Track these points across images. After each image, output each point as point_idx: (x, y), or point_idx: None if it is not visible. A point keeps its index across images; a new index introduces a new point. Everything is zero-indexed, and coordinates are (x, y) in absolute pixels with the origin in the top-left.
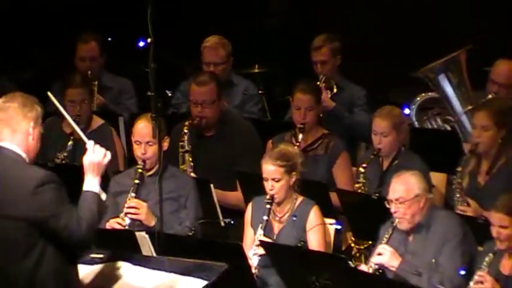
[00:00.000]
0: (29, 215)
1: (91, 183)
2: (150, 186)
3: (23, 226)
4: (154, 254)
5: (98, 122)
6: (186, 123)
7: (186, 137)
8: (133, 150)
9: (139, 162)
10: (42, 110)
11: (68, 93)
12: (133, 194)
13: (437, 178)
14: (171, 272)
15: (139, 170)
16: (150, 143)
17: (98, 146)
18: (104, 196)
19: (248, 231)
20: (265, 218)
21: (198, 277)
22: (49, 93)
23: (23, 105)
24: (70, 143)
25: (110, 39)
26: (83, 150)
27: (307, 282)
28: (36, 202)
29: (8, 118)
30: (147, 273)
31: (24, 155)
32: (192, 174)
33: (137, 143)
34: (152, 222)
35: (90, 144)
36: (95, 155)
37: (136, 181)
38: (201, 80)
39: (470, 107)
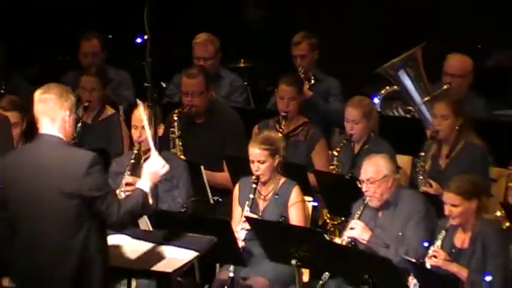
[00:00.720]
0: (82, 193)
1: (145, 184)
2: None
3: (75, 204)
4: (151, 228)
5: (110, 111)
6: (176, 111)
7: (175, 124)
8: (131, 134)
9: (136, 144)
10: (75, 98)
11: (82, 80)
12: (128, 172)
13: (403, 161)
14: (166, 244)
15: (135, 152)
16: (144, 127)
17: (160, 158)
18: (150, 200)
19: (236, 208)
20: (251, 196)
21: (190, 249)
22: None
23: (59, 95)
24: (79, 125)
25: (110, 36)
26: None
27: (287, 253)
28: (88, 182)
29: (47, 109)
30: (145, 245)
31: (64, 138)
32: (182, 157)
33: (134, 127)
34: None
35: (154, 153)
36: (157, 165)
37: (132, 161)
38: (191, 72)
39: (428, 98)
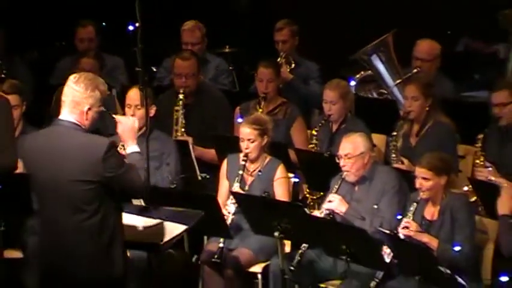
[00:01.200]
0: (101, 177)
1: (132, 146)
2: (138, 145)
3: (94, 188)
4: (142, 203)
5: None
6: (181, 91)
7: (180, 103)
8: (125, 113)
9: None
10: (104, 92)
11: (81, 62)
12: (122, 147)
13: (378, 139)
14: (157, 218)
15: None
16: (139, 107)
17: (124, 117)
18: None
19: (223, 182)
20: (240, 172)
21: (179, 222)
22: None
23: (86, 88)
24: None
25: (104, 24)
26: None
27: (270, 226)
28: (106, 166)
29: (70, 98)
30: (136, 218)
31: (82, 126)
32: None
33: (128, 106)
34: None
35: (117, 117)
36: (125, 124)
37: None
38: (184, 55)
39: (399, 81)
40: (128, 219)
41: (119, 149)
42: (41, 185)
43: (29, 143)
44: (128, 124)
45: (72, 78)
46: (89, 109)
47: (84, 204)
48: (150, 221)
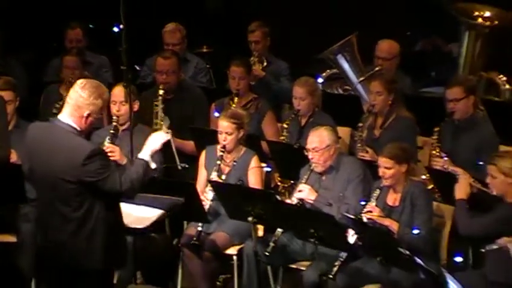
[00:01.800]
0: (80, 179)
1: (145, 153)
2: (123, 139)
3: (75, 187)
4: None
5: None
6: (161, 87)
7: (160, 98)
8: (110, 109)
9: (114, 118)
10: (107, 101)
11: (64, 60)
12: (108, 141)
13: (343, 132)
14: (139, 204)
15: (114, 123)
16: (123, 103)
17: (159, 133)
18: (153, 165)
19: (201, 172)
20: (218, 162)
21: (159, 208)
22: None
23: (89, 95)
24: (64, 94)
25: (91, 26)
26: None
27: (245, 211)
28: (85, 170)
29: (73, 101)
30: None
31: (78, 128)
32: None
33: (113, 102)
34: (124, 160)
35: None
36: (157, 138)
37: (112, 131)
38: (165, 55)
39: (362, 78)
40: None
41: (106, 143)
42: (36, 176)
43: (31, 133)
44: (157, 138)
45: (79, 83)
46: (89, 115)
47: (68, 198)
48: (134, 208)
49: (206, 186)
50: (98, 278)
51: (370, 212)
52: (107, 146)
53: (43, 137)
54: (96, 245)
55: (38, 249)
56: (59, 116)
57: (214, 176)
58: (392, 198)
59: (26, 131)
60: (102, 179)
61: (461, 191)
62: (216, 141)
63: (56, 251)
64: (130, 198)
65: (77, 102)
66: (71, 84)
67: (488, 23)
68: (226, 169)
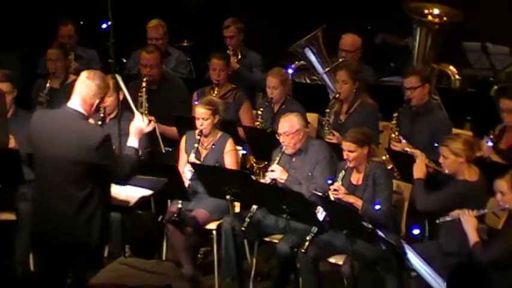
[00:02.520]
0: (92, 161)
1: (133, 141)
2: (111, 126)
3: (82, 169)
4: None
5: (72, 77)
6: (144, 79)
7: (143, 89)
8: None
9: (101, 108)
10: (109, 87)
11: (47, 53)
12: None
13: (311, 118)
14: (127, 185)
15: (101, 115)
16: (109, 95)
17: (141, 116)
18: (140, 152)
19: (182, 155)
20: (196, 145)
21: (147, 188)
22: (117, 76)
23: (99, 86)
24: (48, 85)
25: (81, 22)
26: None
27: (223, 190)
28: (99, 154)
29: (83, 90)
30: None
31: (86, 114)
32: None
33: None
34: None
35: (138, 114)
36: (139, 123)
37: (100, 122)
38: (149, 49)
39: (328, 69)
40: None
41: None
42: (41, 158)
43: (37, 120)
44: (140, 124)
45: (85, 74)
46: (98, 102)
47: (74, 180)
48: (122, 188)
49: (186, 167)
50: (94, 253)
51: (336, 190)
52: None
53: (52, 123)
54: (96, 223)
55: (36, 227)
56: (68, 104)
57: (192, 158)
58: (356, 178)
59: (24, 118)
60: (111, 163)
61: (418, 170)
62: (195, 127)
63: (56, 229)
64: (125, 182)
65: (85, 93)
66: (54, 76)
67: (437, 20)
68: (204, 152)
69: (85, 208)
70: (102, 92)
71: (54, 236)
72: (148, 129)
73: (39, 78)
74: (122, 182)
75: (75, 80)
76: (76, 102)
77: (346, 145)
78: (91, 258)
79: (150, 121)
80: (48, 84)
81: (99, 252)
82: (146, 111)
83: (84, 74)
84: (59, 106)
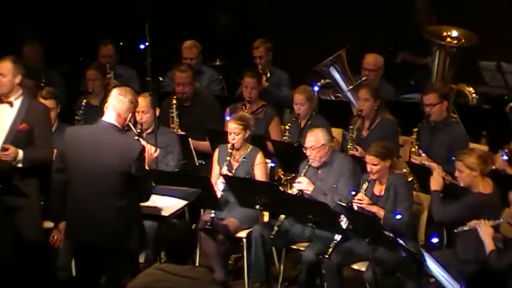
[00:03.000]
0: (130, 171)
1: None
2: (149, 141)
3: (124, 179)
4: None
5: None
6: (174, 97)
7: (174, 106)
8: (135, 116)
9: (138, 125)
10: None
11: (86, 73)
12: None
13: (336, 132)
14: (163, 194)
15: (139, 130)
16: (144, 112)
17: (149, 146)
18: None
19: (215, 167)
20: (228, 158)
21: (182, 198)
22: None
23: (130, 101)
24: (83, 103)
25: (121, 43)
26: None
27: (252, 200)
28: (137, 165)
29: (118, 106)
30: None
31: (120, 127)
32: (178, 131)
33: (137, 111)
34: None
35: (145, 144)
36: (149, 152)
37: (136, 137)
38: (182, 68)
39: (351, 87)
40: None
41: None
42: (79, 171)
43: (72, 135)
44: (149, 153)
45: (117, 91)
46: (131, 116)
47: (114, 190)
48: (159, 199)
49: (218, 179)
50: (130, 258)
51: (360, 200)
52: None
53: (89, 137)
54: (134, 230)
55: (77, 235)
56: (104, 118)
57: (224, 170)
58: (378, 189)
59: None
60: (143, 176)
61: (435, 183)
62: (227, 141)
63: (97, 236)
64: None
65: (119, 110)
66: (93, 94)
67: (455, 42)
68: (235, 164)
69: (123, 216)
70: (134, 107)
71: (95, 243)
72: (156, 155)
73: (81, 95)
74: (145, 198)
75: None
76: (111, 116)
77: (369, 159)
78: (128, 263)
79: (156, 149)
80: (83, 103)
81: (135, 258)
82: (178, 126)
83: (116, 91)
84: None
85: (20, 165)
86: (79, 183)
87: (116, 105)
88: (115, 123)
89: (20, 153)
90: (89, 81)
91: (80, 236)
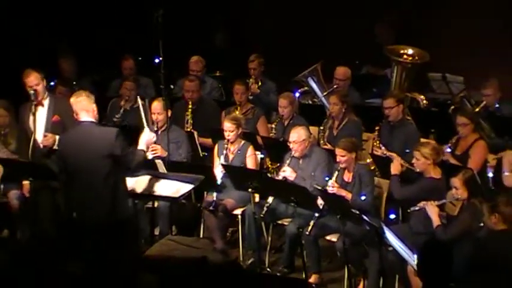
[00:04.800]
0: (114, 153)
1: (143, 147)
2: (163, 137)
3: (109, 162)
4: (165, 171)
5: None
6: (190, 103)
7: (189, 110)
8: (151, 116)
9: (155, 122)
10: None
11: (125, 83)
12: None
13: (313, 130)
14: (174, 180)
15: (155, 128)
16: (159, 113)
17: (150, 132)
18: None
19: (215, 158)
20: (225, 151)
21: (188, 183)
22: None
23: (87, 96)
24: (122, 110)
25: (140, 58)
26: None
27: (246, 185)
28: (117, 145)
29: (82, 106)
30: (162, 180)
31: (95, 121)
32: (189, 129)
33: (153, 113)
34: (164, 154)
35: (147, 129)
36: (148, 135)
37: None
38: (190, 78)
39: (325, 93)
40: (155, 181)
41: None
42: (73, 162)
43: (65, 140)
44: (149, 137)
45: (74, 97)
46: (95, 107)
47: (103, 171)
48: (169, 183)
49: (218, 168)
50: (128, 222)
51: (332, 186)
52: (152, 147)
53: (77, 136)
54: (124, 199)
55: (80, 215)
56: (81, 119)
57: (222, 161)
58: (347, 176)
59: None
60: (126, 154)
61: (395, 168)
62: (224, 137)
63: (99, 212)
64: (131, 175)
65: (84, 106)
66: (127, 100)
67: (410, 59)
68: (231, 156)
69: (114, 191)
70: (92, 100)
71: (96, 217)
72: (154, 139)
73: (110, 99)
74: (129, 172)
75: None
76: (84, 115)
77: (338, 151)
78: (127, 227)
79: (156, 132)
80: (122, 109)
81: (132, 224)
82: (191, 126)
83: (73, 98)
84: (133, 123)
85: (57, 148)
86: (76, 175)
87: (83, 106)
88: (91, 119)
89: (57, 138)
90: (125, 90)
91: (84, 214)
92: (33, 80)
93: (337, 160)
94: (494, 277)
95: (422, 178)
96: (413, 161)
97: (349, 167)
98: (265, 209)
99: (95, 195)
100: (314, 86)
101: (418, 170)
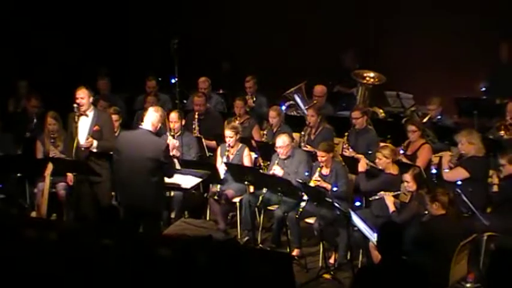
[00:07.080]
0: (159, 159)
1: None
2: (177, 140)
3: (152, 163)
4: (179, 168)
5: None
6: (196, 113)
7: (196, 119)
8: (168, 125)
9: (171, 130)
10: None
11: (148, 98)
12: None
13: (296, 136)
14: (186, 174)
15: (172, 134)
16: (175, 122)
17: (175, 141)
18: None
19: (218, 158)
20: (226, 153)
21: (197, 177)
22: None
23: (161, 115)
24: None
25: (160, 79)
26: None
27: (243, 178)
28: (163, 155)
29: (152, 118)
30: (177, 175)
31: (154, 131)
32: (196, 135)
33: (170, 121)
34: (178, 153)
35: (170, 137)
36: (173, 141)
37: (170, 137)
38: (198, 95)
39: (307, 107)
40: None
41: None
42: (128, 160)
43: (122, 137)
44: (171, 142)
45: (153, 108)
46: (159, 126)
47: (150, 170)
48: (182, 177)
49: (221, 165)
50: (160, 214)
51: (318, 181)
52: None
53: (134, 138)
54: (162, 196)
55: (126, 200)
56: (143, 125)
57: (224, 160)
58: (326, 171)
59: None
60: (168, 163)
61: (361, 166)
62: (226, 142)
63: (141, 200)
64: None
65: (152, 120)
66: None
67: (372, 80)
68: (231, 156)
69: (155, 188)
70: (162, 119)
71: (137, 206)
72: (177, 144)
73: (136, 112)
74: (168, 175)
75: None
76: (148, 125)
77: (319, 153)
78: (157, 218)
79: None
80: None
81: (162, 215)
82: (196, 131)
83: (151, 109)
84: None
85: (95, 150)
86: (127, 168)
87: (151, 118)
88: (150, 129)
89: (95, 142)
90: (148, 104)
91: (127, 202)
92: (82, 94)
93: (319, 160)
94: (435, 251)
95: (383, 174)
96: (376, 160)
97: (327, 164)
98: (260, 198)
99: (137, 186)
100: (298, 100)
101: (380, 167)
